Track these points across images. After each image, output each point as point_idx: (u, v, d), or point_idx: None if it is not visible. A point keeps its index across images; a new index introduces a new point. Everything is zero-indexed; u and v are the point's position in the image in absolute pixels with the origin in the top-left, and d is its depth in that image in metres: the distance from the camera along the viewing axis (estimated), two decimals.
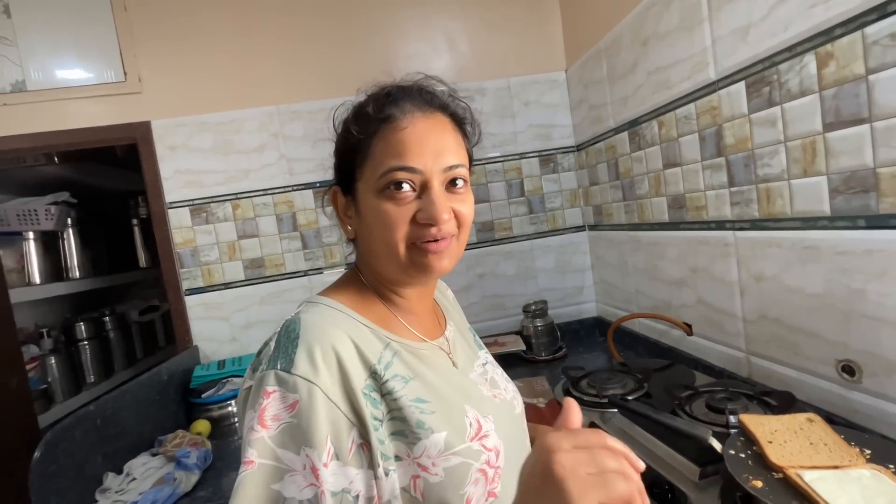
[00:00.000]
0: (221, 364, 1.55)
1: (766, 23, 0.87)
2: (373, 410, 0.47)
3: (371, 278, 0.59)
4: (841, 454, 0.60)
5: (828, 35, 0.76)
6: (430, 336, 0.60)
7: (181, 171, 1.58)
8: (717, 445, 0.66)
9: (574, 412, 0.43)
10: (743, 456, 0.63)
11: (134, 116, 1.55)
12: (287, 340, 0.48)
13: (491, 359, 0.70)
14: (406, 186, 0.51)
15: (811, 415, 0.69)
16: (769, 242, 0.94)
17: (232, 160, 1.59)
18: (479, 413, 0.53)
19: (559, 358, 1.58)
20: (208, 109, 1.57)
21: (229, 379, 1.50)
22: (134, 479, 1.08)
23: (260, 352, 0.51)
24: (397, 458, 0.48)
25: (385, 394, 0.49)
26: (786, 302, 0.92)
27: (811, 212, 0.84)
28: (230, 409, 1.47)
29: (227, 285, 1.62)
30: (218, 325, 1.62)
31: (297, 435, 0.44)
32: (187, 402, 1.47)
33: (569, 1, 1.66)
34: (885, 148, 0.70)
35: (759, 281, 0.98)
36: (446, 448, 0.48)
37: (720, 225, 1.07)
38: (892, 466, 0.57)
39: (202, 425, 1.36)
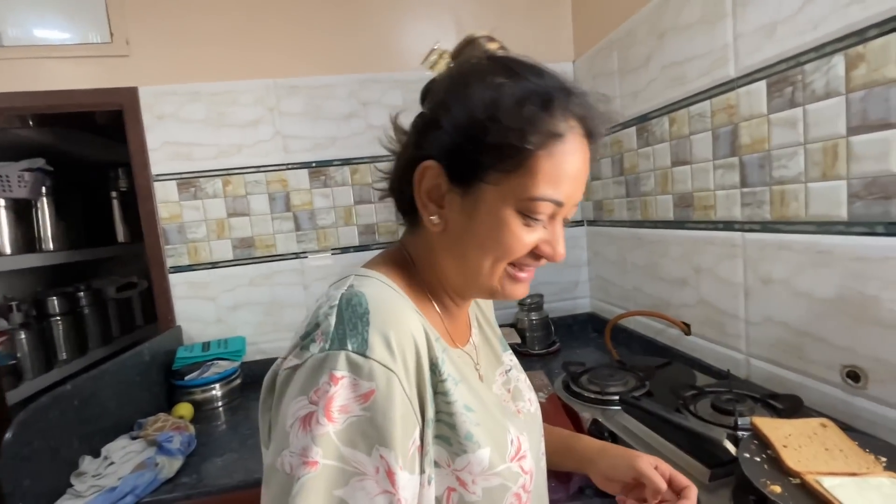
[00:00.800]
0: (206, 346, 1.49)
1: (795, 20, 0.85)
2: (429, 408, 0.43)
3: (428, 273, 0.52)
4: (858, 461, 0.60)
5: (861, 36, 0.75)
6: (460, 342, 0.55)
7: (170, 142, 1.49)
8: (731, 448, 0.65)
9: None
10: (758, 460, 0.62)
11: (120, 81, 1.46)
12: (354, 316, 0.41)
13: (515, 362, 0.65)
14: (544, 216, 0.46)
15: (824, 420, 0.69)
16: (780, 245, 0.93)
17: (224, 134, 1.52)
18: (517, 430, 0.50)
19: (553, 352, 1.57)
20: (201, 78, 1.49)
21: (215, 361, 1.44)
22: (112, 463, 1.03)
23: (309, 332, 0.42)
24: (436, 464, 0.43)
25: (439, 393, 0.44)
26: (793, 306, 0.92)
27: (827, 216, 0.83)
28: (214, 392, 1.42)
29: (214, 264, 1.55)
30: (203, 306, 1.55)
31: (369, 432, 0.38)
32: (169, 385, 1.41)
33: (582, 5, 1.62)
34: None
35: (767, 284, 0.97)
36: (490, 467, 0.44)
37: (728, 226, 1.06)
38: None
39: (185, 409, 1.31)
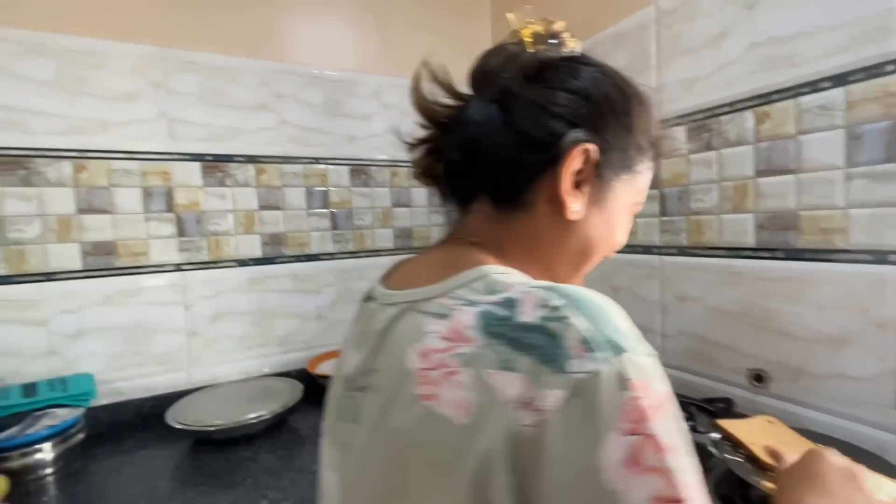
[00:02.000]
0: (30, 389, 1.07)
1: (711, 80, 1.01)
2: None
3: (523, 267, 0.44)
4: None
5: (766, 98, 0.92)
6: None
7: None
8: (715, 451, 0.70)
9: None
10: (740, 459, 0.68)
11: None
12: (599, 312, 0.33)
13: None
14: None
15: (770, 417, 0.79)
16: (695, 267, 1.08)
17: (83, 104, 1.15)
18: None
19: None
20: (51, 27, 1.12)
21: (46, 411, 1.04)
22: None
23: (552, 351, 0.30)
24: None
25: None
26: (705, 319, 1.06)
27: (738, 242, 0.99)
28: (41, 455, 1.02)
29: (49, 276, 1.14)
30: (25, 333, 1.12)
31: (688, 445, 0.31)
32: None
33: (504, 25, 1.71)
34: (806, 195, 0.87)
35: (682, 301, 1.11)
36: None
37: (647, 249, 1.19)
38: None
39: None
